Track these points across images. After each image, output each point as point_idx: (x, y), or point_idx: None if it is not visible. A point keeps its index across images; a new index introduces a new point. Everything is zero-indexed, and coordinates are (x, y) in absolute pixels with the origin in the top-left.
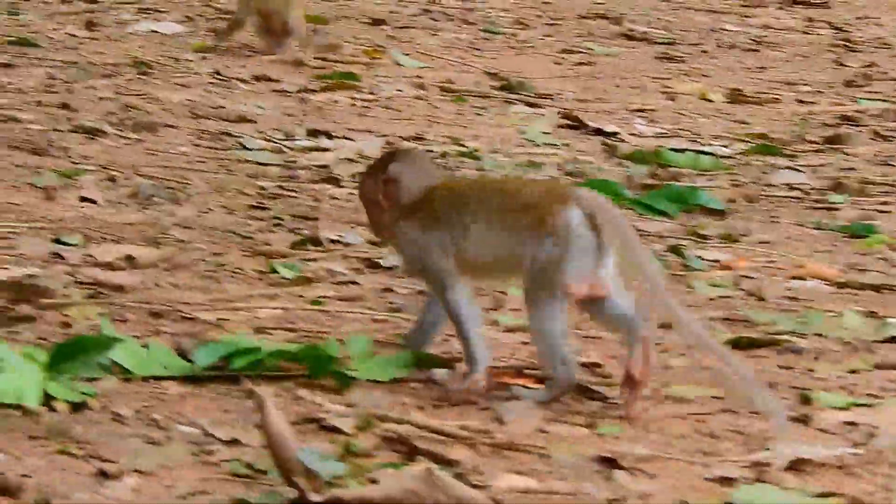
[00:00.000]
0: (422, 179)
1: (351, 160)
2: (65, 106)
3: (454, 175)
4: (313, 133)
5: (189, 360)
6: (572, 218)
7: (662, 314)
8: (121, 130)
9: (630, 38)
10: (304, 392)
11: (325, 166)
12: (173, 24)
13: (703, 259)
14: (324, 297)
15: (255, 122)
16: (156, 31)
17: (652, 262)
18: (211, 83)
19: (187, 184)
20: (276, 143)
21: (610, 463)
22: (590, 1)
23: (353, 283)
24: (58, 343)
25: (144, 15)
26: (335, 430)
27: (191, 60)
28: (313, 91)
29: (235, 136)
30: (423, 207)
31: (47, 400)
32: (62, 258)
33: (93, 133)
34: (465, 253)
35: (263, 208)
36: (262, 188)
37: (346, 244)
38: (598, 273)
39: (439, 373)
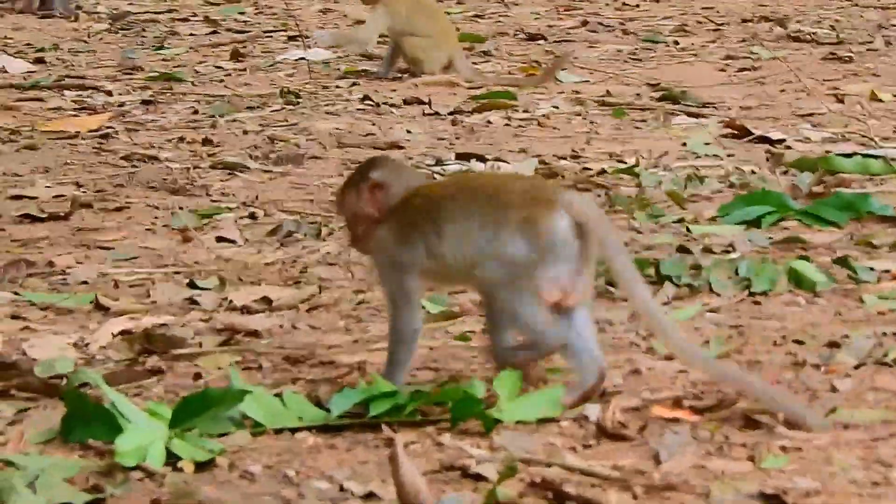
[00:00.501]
0: (403, 184)
1: None
2: (207, 142)
3: (434, 178)
4: (464, 157)
5: (325, 409)
6: (559, 224)
7: (654, 334)
8: (265, 164)
9: (796, 39)
10: (446, 437)
11: None
12: (322, 51)
13: (873, 270)
14: (470, 332)
15: (405, 148)
16: (304, 59)
17: (637, 279)
18: (361, 110)
19: (331, 218)
20: (425, 168)
21: (774, 499)
22: (753, 3)
23: None
24: (184, 397)
25: (294, 43)
26: (479, 477)
27: (340, 87)
28: (466, 112)
29: None
30: (400, 211)
31: (172, 459)
32: (197, 304)
33: (235, 169)
34: (441, 257)
35: None
36: None
37: None
38: (575, 282)
39: (592, 409)
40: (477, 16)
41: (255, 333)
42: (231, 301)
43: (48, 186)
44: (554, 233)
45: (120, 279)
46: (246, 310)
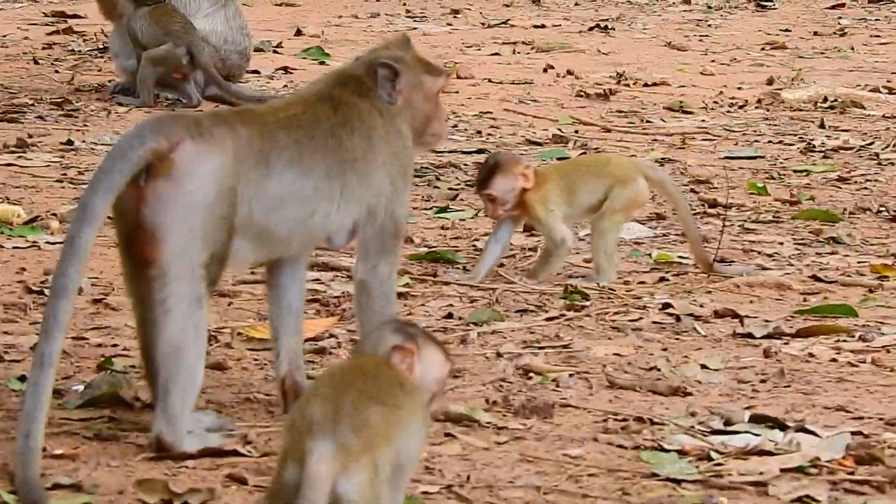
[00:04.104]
0: None
1: (801, 472)
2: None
3: None
4: (760, 419)
5: None
6: None
7: None
8: (501, 415)
9: None
10: None
11: (760, 484)
12: (638, 226)
13: None
14: None
15: (693, 396)
16: (623, 238)
17: None
18: (656, 324)
19: None
20: (702, 438)
21: None
22: None
23: None
24: None
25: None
26: None
27: (644, 283)
28: (788, 335)
29: (656, 424)
30: None
31: None
32: None
33: (459, 422)
34: None
35: None
36: None
37: None
38: None
39: None
40: (841, 178)
41: None
42: None
43: None
44: None
45: None
46: None
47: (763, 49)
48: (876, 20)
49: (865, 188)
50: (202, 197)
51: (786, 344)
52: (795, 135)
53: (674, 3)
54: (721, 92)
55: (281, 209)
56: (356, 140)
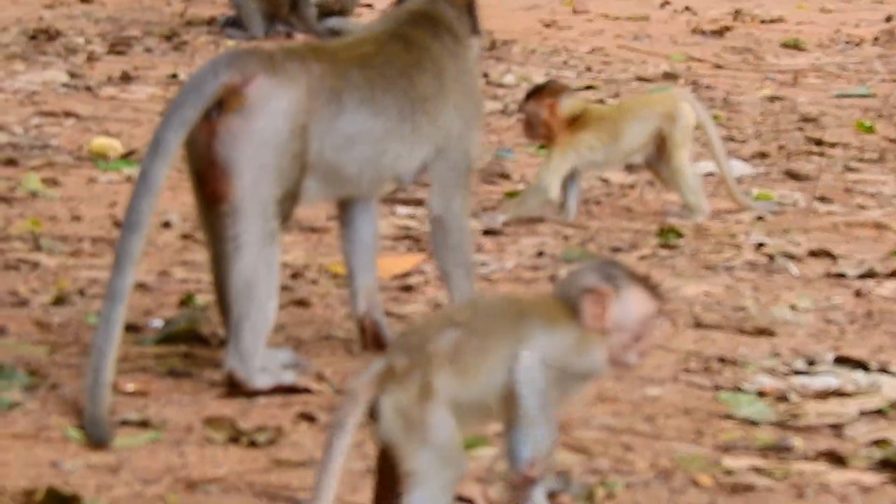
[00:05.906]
0: None
1: (880, 414)
2: None
3: None
4: (844, 361)
5: None
6: None
7: None
8: None
9: None
10: None
11: (837, 426)
12: (738, 163)
13: None
14: None
15: (778, 336)
16: (711, 174)
17: None
18: (749, 264)
19: (628, 463)
20: (783, 379)
21: None
22: None
23: None
24: None
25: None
26: None
27: (740, 223)
28: (882, 275)
29: (738, 364)
30: None
31: None
32: None
33: None
34: None
35: None
36: (728, 471)
37: None
38: None
39: None
40: None
41: None
42: None
43: None
44: None
45: None
46: None
47: None
48: None
49: None
50: (274, 133)
51: (879, 284)
52: None
53: None
54: (838, 29)
55: (351, 148)
56: (427, 80)
